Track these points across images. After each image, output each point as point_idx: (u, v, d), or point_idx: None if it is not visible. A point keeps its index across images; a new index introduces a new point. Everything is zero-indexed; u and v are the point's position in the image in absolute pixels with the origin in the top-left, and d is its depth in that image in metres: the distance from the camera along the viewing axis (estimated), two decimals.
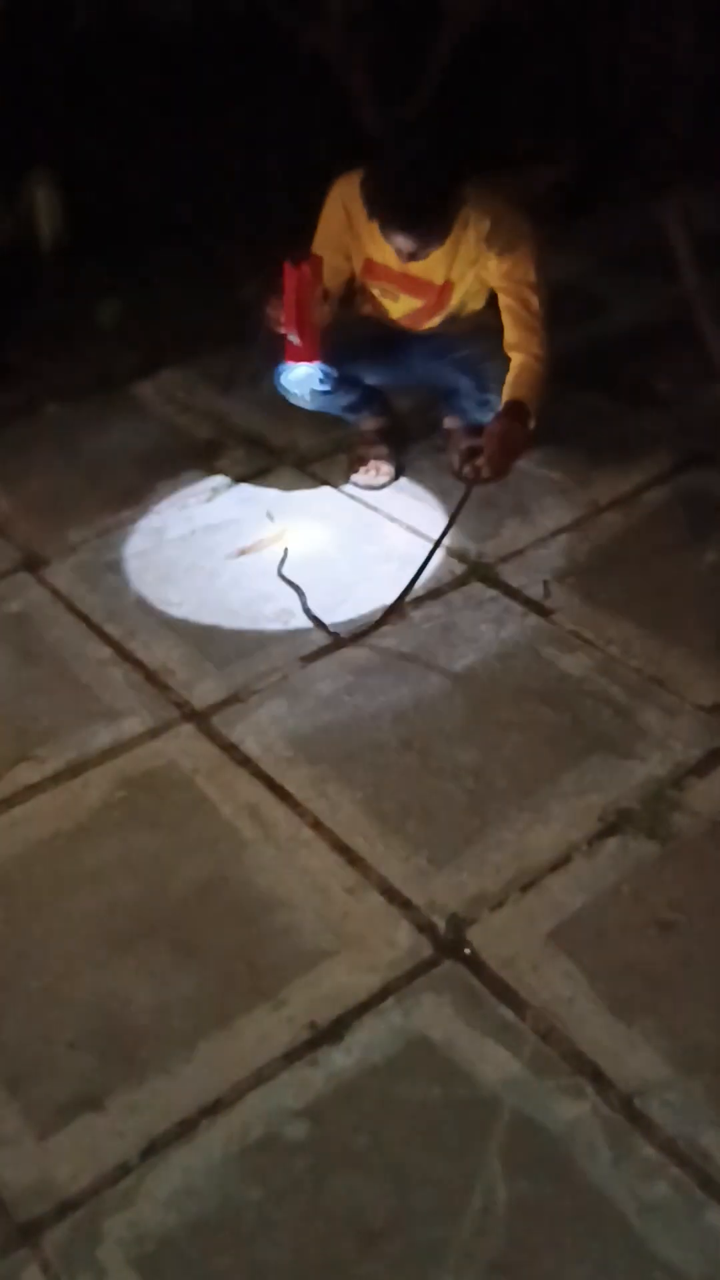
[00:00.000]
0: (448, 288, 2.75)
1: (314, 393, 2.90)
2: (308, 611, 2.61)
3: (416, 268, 2.68)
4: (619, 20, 4.86)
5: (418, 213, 2.49)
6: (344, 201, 2.67)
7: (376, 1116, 1.66)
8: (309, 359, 2.79)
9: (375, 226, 2.58)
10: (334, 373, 2.87)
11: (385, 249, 2.64)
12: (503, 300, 2.68)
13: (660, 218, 3.20)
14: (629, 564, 2.73)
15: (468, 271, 2.70)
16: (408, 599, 2.61)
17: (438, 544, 2.64)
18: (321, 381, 2.87)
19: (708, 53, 4.75)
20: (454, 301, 2.78)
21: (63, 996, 1.85)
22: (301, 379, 2.87)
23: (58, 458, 3.29)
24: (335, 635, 2.54)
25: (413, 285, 2.75)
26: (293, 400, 2.96)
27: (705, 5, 4.60)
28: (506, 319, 2.68)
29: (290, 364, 2.82)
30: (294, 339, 2.70)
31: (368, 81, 4.38)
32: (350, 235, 2.67)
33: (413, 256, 2.61)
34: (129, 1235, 1.55)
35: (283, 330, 2.69)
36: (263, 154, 4.48)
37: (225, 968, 1.87)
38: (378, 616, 2.58)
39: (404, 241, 2.55)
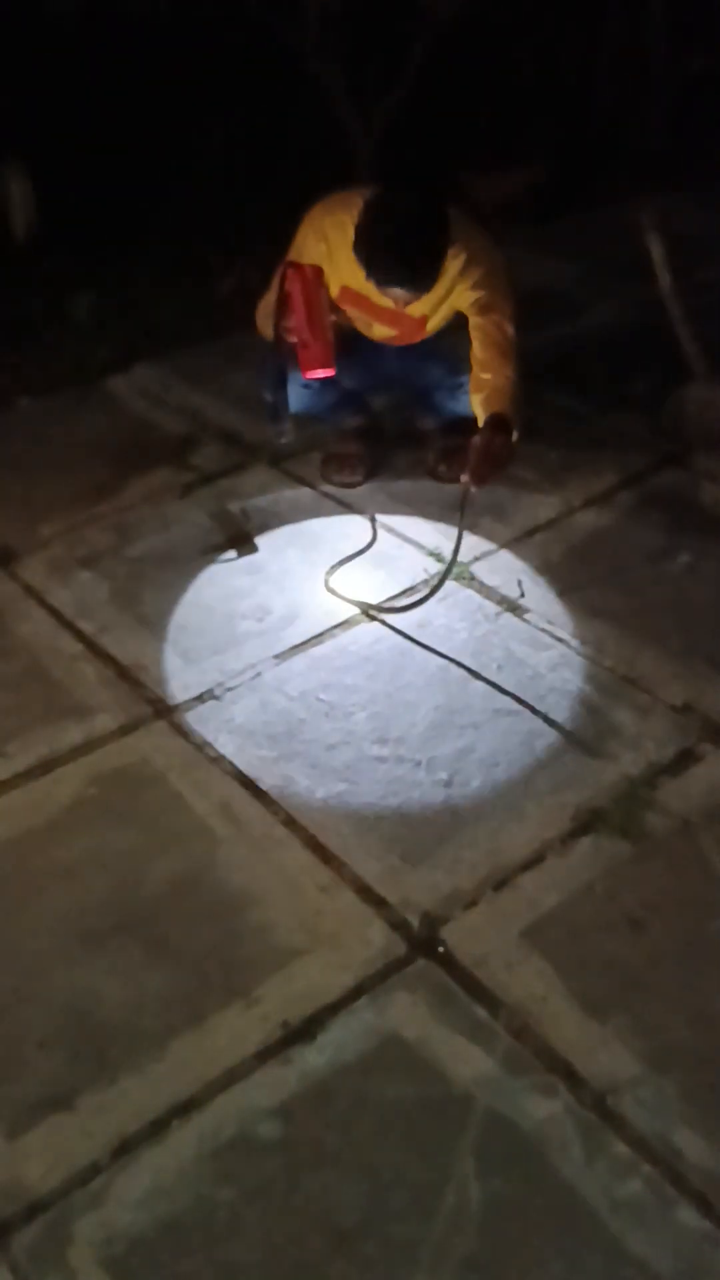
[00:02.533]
0: (422, 321, 2.77)
1: (299, 395, 2.89)
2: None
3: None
4: (594, 23, 4.88)
5: (417, 272, 2.55)
6: (324, 231, 2.66)
7: (349, 1115, 1.66)
8: (325, 365, 2.66)
9: (349, 256, 2.60)
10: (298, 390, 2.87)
11: (362, 277, 2.64)
12: (475, 321, 2.70)
13: (635, 220, 3.21)
14: (603, 564, 2.74)
15: (443, 304, 2.73)
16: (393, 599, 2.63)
17: (452, 563, 2.65)
18: (305, 384, 2.86)
19: (682, 56, 4.79)
20: (427, 331, 2.82)
21: (33, 995, 1.83)
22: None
23: (31, 452, 3.26)
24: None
25: (388, 317, 2.76)
26: (269, 398, 2.94)
27: (680, 8, 4.63)
28: (478, 337, 2.70)
29: (307, 375, 2.71)
30: (307, 343, 2.60)
31: (343, 79, 4.38)
32: (329, 264, 2.67)
33: (407, 302, 2.66)
34: (99, 1236, 1.54)
35: (294, 337, 2.62)
36: (238, 149, 4.47)
37: (197, 966, 1.86)
38: (349, 615, 2.58)
39: (401, 293, 2.60)
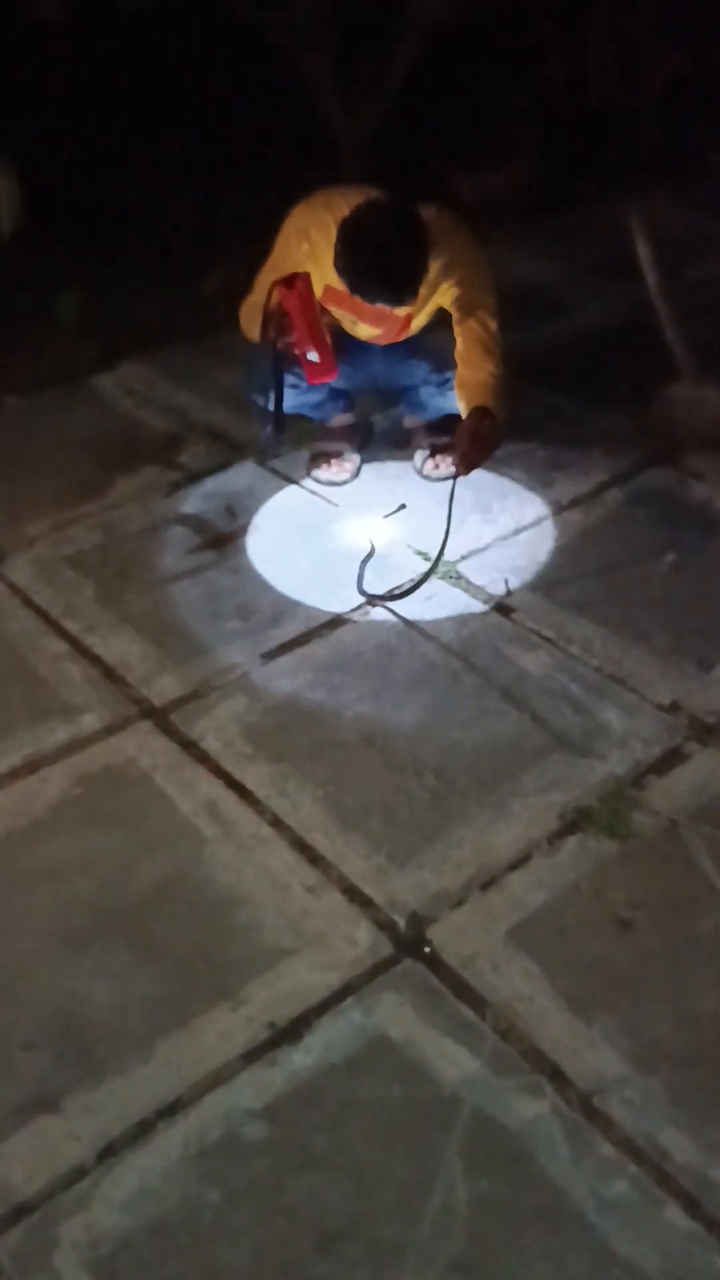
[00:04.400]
0: (407, 320, 2.77)
1: (286, 395, 2.87)
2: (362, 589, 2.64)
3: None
4: (581, 20, 4.88)
5: (401, 291, 2.54)
6: (307, 231, 2.66)
7: (336, 1116, 1.65)
8: (330, 374, 2.69)
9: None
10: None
11: None
12: (458, 318, 2.71)
13: (622, 219, 3.21)
14: (590, 563, 2.74)
15: (427, 303, 2.72)
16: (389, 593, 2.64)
17: (442, 549, 2.65)
18: (293, 385, 2.86)
19: (669, 55, 4.79)
20: (411, 330, 2.81)
21: (18, 997, 1.83)
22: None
23: (16, 450, 3.25)
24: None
25: (372, 316, 2.76)
26: (262, 404, 2.94)
27: (666, 6, 4.64)
28: (462, 334, 2.70)
29: (315, 384, 2.74)
30: (312, 356, 2.61)
31: (330, 76, 4.37)
32: (312, 263, 2.66)
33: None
34: (85, 1239, 1.53)
35: (298, 350, 2.62)
36: (224, 146, 4.46)
37: (184, 967, 1.86)
38: (335, 614, 2.57)
39: (385, 307, 2.60)
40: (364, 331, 2.84)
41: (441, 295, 2.70)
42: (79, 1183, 1.59)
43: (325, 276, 2.65)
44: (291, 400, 2.91)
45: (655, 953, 1.86)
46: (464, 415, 2.66)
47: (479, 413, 2.63)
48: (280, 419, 2.76)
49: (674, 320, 3.20)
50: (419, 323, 2.80)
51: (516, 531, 2.85)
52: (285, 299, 2.55)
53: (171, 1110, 1.66)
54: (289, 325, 2.58)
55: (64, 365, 3.59)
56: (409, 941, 1.89)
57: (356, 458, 3.07)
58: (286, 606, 2.61)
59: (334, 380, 2.94)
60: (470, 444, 2.59)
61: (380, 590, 2.64)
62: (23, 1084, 1.70)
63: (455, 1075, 1.69)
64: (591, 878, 1.98)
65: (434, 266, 2.62)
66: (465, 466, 2.61)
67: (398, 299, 2.57)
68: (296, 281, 2.57)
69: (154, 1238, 1.53)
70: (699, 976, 1.83)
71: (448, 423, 2.83)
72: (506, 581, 2.67)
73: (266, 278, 2.69)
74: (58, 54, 4.19)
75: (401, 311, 2.72)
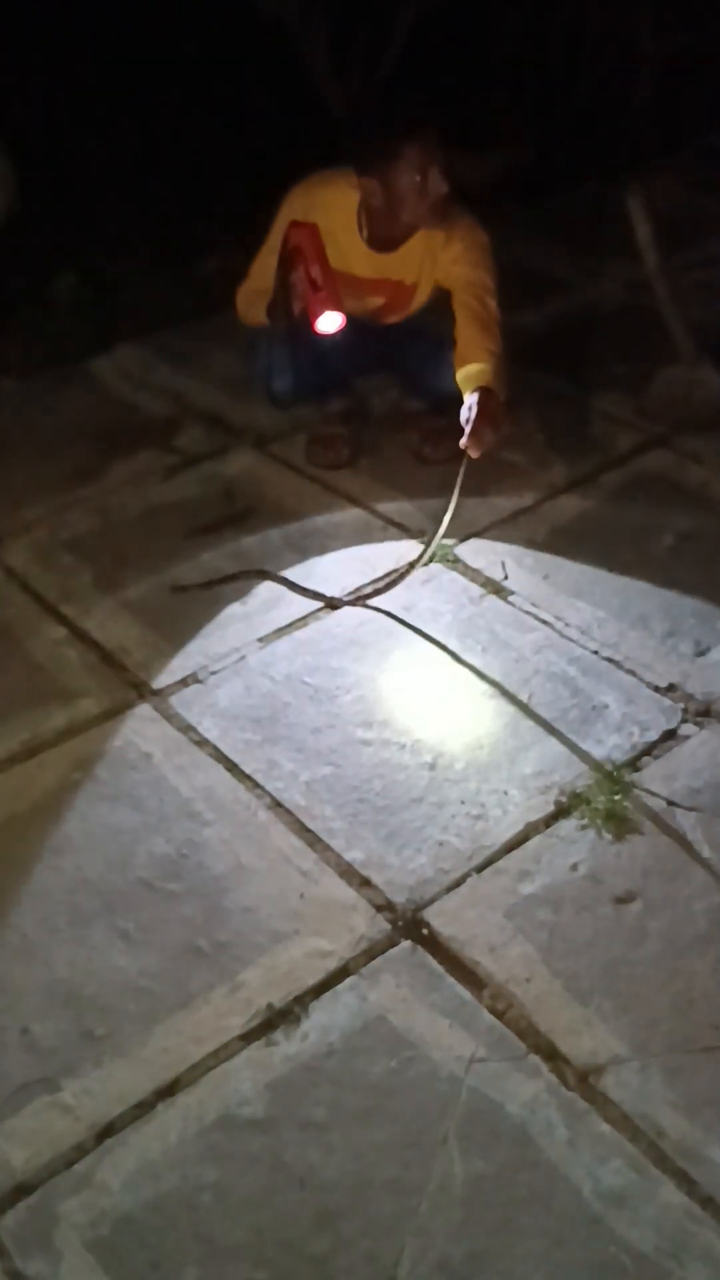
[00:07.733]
0: (411, 290, 2.77)
1: (285, 379, 2.87)
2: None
3: (386, 267, 2.69)
4: (579, 1, 4.85)
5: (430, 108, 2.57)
6: (306, 211, 2.65)
7: (333, 1097, 1.66)
8: (337, 306, 2.61)
9: (333, 234, 2.60)
10: (304, 359, 2.86)
11: (347, 256, 2.66)
12: (459, 298, 2.70)
13: (620, 199, 3.19)
14: (587, 546, 2.74)
15: (431, 275, 2.72)
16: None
17: (444, 525, 2.62)
18: (293, 369, 2.85)
19: (667, 34, 4.76)
20: (413, 308, 2.80)
21: (18, 979, 1.83)
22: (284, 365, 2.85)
23: (12, 434, 3.24)
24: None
25: (373, 287, 2.75)
26: (271, 394, 2.94)
27: None
28: (461, 313, 2.69)
29: (319, 319, 2.64)
30: (319, 286, 2.56)
31: (327, 54, 4.34)
32: None
33: (437, 203, 2.62)
34: (85, 1218, 1.54)
35: (305, 284, 2.57)
36: (220, 127, 4.43)
37: (182, 949, 1.86)
38: (332, 599, 2.57)
39: (438, 176, 2.58)
40: (370, 304, 2.82)
41: (443, 271, 2.70)
42: (79, 1163, 1.60)
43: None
44: (290, 384, 2.91)
45: (651, 934, 1.87)
46: (466, 395, 2.64)
47: (483, 393, 2.61)
48: (283, 375, 2.74)
49: (672, 301, 3.19)
50: (420, 299, 2.79)
51: (514, 514, 2.85)
52: (297, 234, 2.55)
53: (170, 1091, 1.67)
54: (299, 258, 2.56)
55: (60, 348, 3.58)
56: (407, 923, 1.89)
57: (354, 441, 3.06)
58: (284, 590, 2.61)
59: (332, 364, 2.94)
60: (480, 423, 2.57)
61: (374, 576, 2.64)
62: (22, 1065, 1.71)
63: (452, 1056, 1.70)
64: (589, 860, 1.99)
65: (436, 238, 2.62)
66: (477, 446, 2.57)
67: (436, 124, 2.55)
68: (307, 224, 2.57)
69: (154, 1217, 1.54)
70: (694, 957, 1.83)
71: (446, 405, 2.82)
72: (504, 564, 2.67)
73: (263, 262, 2.68)
74: (52, 33, 4.15)
75: (409, 278, 2.69)
